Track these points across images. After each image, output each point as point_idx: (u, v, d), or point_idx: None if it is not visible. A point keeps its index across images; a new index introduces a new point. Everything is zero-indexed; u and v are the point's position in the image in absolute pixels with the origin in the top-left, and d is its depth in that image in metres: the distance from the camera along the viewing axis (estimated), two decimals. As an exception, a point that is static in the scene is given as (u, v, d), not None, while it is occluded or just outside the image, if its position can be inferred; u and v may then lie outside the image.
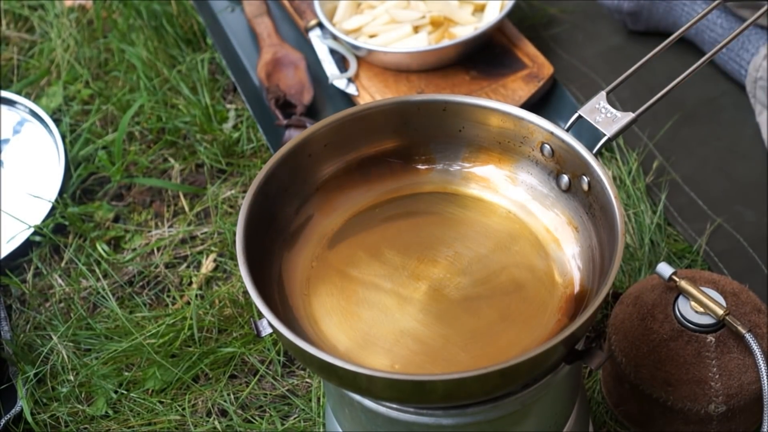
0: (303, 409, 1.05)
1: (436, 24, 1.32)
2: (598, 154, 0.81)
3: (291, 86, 1.32)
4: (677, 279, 0.93)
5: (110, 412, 1.08)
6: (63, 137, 1.32)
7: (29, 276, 1.20)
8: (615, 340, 0.96)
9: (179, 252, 1.21)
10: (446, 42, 1.27)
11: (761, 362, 0.89)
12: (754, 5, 1.24)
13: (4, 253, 1.21)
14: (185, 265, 1.20)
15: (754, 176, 1.20)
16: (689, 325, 0.92)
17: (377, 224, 0.87)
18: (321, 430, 1.03)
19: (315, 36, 1.37)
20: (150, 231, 1.24)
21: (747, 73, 1.24)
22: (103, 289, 1.17)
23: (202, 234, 1.23)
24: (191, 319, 1.11)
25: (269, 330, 0.77)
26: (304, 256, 0.84)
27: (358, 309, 0.81)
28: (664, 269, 0.94)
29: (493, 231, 0.86)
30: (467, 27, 1.31)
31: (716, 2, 0.88)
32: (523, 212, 0.87)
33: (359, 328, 0.80)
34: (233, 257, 1.19)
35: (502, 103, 0.85)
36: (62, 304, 1.17)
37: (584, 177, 0.82)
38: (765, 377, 0.88)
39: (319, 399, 1.05)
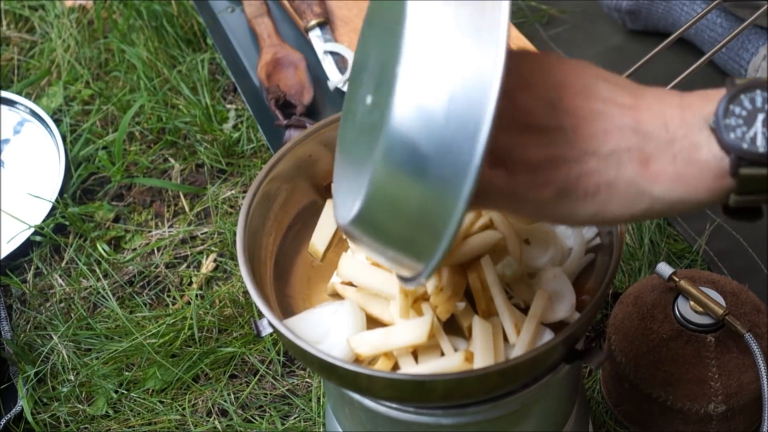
0: (303, 409, 1.05)
1: None
2: (598, 154, 0.81)
3: (291, 86, 1.32)
4: (677, 279, 0.93)
5: (110, 411, 1.08)
6: (63, 137, 1.32)
7: (30, 276, 1.20)
8: (615, 340, 0.96)
9: (179, 252, 1.21)
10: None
11: (760, 362, 0.89)
12: (753, 5, 1.24)
13: (5, 253, 1.21)
14: (185, 265, 1.20)
15: (753, 176, 1.20)
16: (689, 325, 0.92)
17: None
18: (321, 429, 1.03)
19: (315, 36, 1.37)
20: (150, 231, 1.24)
21: (747, 73, 1.24)
22: (104, 289, 1.17)
23: (202, 234, 1.23)
24: (191, 319, 1.11)
25: (269, 330, 0.77)
26: (304, 256, 0.84)
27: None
28: (664, 269, 0.94)
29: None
30: None
31: (715, 2, 0.88)
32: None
33: (359, 328, 0.79)
34: (233, 257, 1.19)
35: (501, 103, 0.85)
36: (62, 304, 1.17)
37: (584, 177, 0.82)
38: (764, 377, 0.88)
39: (319, 399, 1.05)
